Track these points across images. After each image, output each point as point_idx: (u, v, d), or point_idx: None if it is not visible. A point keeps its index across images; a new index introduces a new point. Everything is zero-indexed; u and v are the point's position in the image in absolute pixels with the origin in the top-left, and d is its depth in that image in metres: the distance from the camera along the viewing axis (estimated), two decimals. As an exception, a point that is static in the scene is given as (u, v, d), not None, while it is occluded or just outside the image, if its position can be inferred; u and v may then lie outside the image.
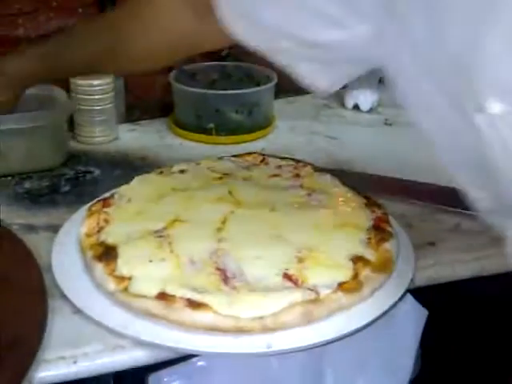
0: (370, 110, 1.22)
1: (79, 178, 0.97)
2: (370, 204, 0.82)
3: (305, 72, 0.66)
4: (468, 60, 0.46)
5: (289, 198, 0.83)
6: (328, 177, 0.89)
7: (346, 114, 1.22)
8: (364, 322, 0.66)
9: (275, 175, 0.90)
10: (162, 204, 0.81)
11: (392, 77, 0.54)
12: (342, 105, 1.24)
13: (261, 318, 0.64)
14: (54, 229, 0.83)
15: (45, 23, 1.05)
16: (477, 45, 0.45)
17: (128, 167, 1.00)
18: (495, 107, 0.45)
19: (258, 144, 1.08)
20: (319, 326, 0.65)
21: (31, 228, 0.83)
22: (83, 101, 1.04)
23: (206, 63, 1.18)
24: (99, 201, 0.82)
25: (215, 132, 1.08)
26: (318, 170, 0.91)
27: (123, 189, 0.84)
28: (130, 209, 0.80)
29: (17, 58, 0.88)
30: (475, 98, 0.46)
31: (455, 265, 0.78)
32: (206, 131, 1.08)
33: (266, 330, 0.64)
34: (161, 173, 0.89)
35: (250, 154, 0.96)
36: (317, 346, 0.65)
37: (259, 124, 1.11)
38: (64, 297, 0.70)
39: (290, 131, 1.15)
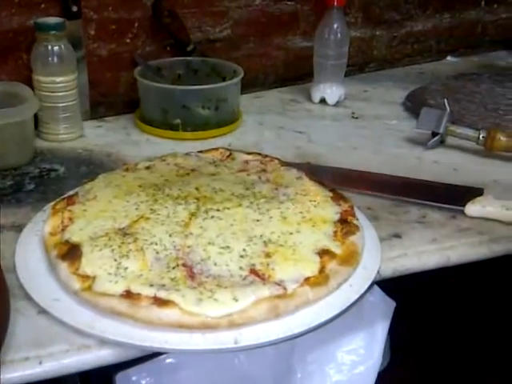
0: (337, 104, 1.22)
1: (44, 176, 0.95)
2: (336, 197, 0.83)
3: None
4: None
5: (256, 193, 0.83)
6: (294, 171, 0.89)
7: (312, 108, 1.22)
8: (331, 315, 0.66)
9: (242, 170, 0.90)
10: (127, 201, 0.80)
11: None
12: (309, 99, 1.24)
13: (228, 314, 0.63)
14: (19, 228, 0.82)
15: (7, 19, 1.03)
16: None
17: (93, 164, 0.99)
18: None
19: (225, 139, 1.08)
20: (286, 320, 0.65)
21: (-5, 227, 0.82)
22: (47, 98, 1.03)
23: (171, 58, 1.17)
24: (63, 199, 0.81)
25: (182, 128, 1.08)
26: (285, 164, 0.91)
27: (88, 186, 0.83)
28: (95, 207, 0.79)
29: None
30: None
31: (421, 256, 0.79)
32: (172, 127, 1.08)
33: (234, 325, 0.63)
34: (126, 170, 0.89)
35: (216, 149, 0.95)
36: (284, 340, 0.64)
37: (226, 119, 1.11)
38: (28, 297, 0.69)
39: (257, 126, 1.14)
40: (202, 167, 0.90)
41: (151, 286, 0.65)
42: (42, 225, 0.78)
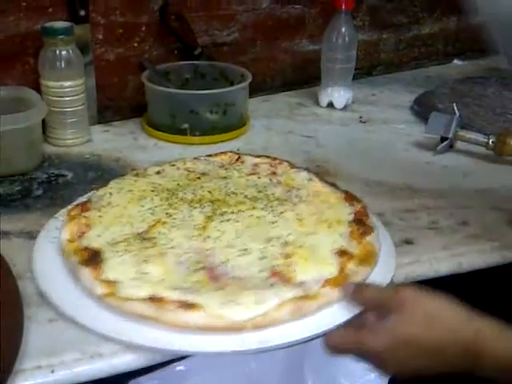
0: (345, 108, 1.22)
1: (52, 182, 0.95)
2: (349, 198, 0.83)
3: None
4: None
5: (269, 195, 0.84)
6: (304, 173, 0.89)
7: (320, 112, 1.22)
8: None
9: (252, 173, 0.90)
10: (142, 206, 0.80)
11: None
12: (317, 103, 1.23)
13: (253, 317, 0.64)
14: (28, 235, 0.82)
15: (14, 24, 1.03)
16: None
17: (101, 170, 0.98)
18: None
19: (233, 144, 1.07)
20: (309, 320, 0.65)
21: (3, 234, 0.81)
22: (54, 103, 1.02)
23: (178, 62, 1.17)
24: (77, 205, 0.81)
25: (189, 132, 1.07)
26: (294, 166, 0.91)
27: (100, 192, 0.83)
28: (111, 212, 0.79)
29: None
30: None
31: (433, 262, 0.78)
32: (180, 132, 1.07)
33: (258, 327, 0.64)
34: (136, 175, 0.88)
35: (224, 153, 0.95)
36: (307, 341, 0.65)
37: (234, 124, 1.11)
38: (40, 304, 0.68)
39: (264, 130, 1.14)
40: (212, 171, 0.90)
41: (175, 289, 0.66)
42: (56, 232, 0.78)
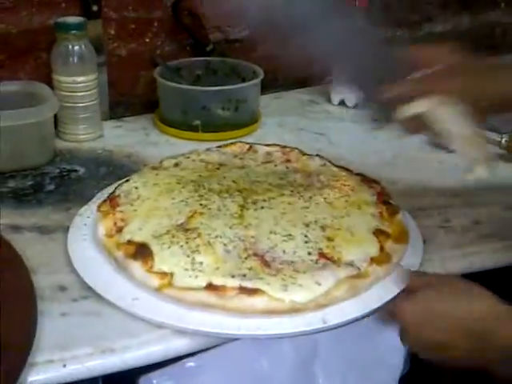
0: (356, 106, 1.21)
1: (64, 177, 0.95)
2: (367, 181, 0.86)
3: None
4: None
5: (291, 181, 0.85)
6: (317, 159, 0.92)
7: (332, 109, 1.21)
8: (400, 289, 0.70)
9: (268, 162, 0.92)
10: (173, 198, 0.81)
11: None
12: (328, 100, 1.23)
13: (314, 297, 0.67)
14: (40, 229, 0.82)
15: (27, 19, 1.03)
16: None
17: (113, 165, 0.98)
18: None
19: (244, 141, 1.07)
20: (363, 297, 0.69)
21: (16, 228, 0.82)
22: (67, 98, 1.03)
23: (190, 59, 1.16)
24: (105, 201, 0.81)
25: (201, 129, 1.07)
26: (305, 153, 0.93)
27: (125, 187, 0.83)
28: (144, 206, 0.80)
29: None
30: None
31: (445, 262, 0.78)
32: (191, 128, 1.07)
33: (319, 307, 0.67)
34: (154, 168, 0.88)
35: (234, 143, 0.96)
36: (365, 317, 0.68)
37: (245, 120, 1.10)
38: (50, 299, 0.69)
39: (276, 127, 1.14)
40: (227, 161, 0.91)
41: (233, 276, 0.68)
42: (85, 228, 0.79)
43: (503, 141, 1.01)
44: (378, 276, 0.71)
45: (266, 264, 0.71)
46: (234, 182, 0.85)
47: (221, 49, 1.19)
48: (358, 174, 0.88)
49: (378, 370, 0.81)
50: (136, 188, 0.83)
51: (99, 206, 0.80)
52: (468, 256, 0.80)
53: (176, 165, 0.89)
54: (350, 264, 0.71)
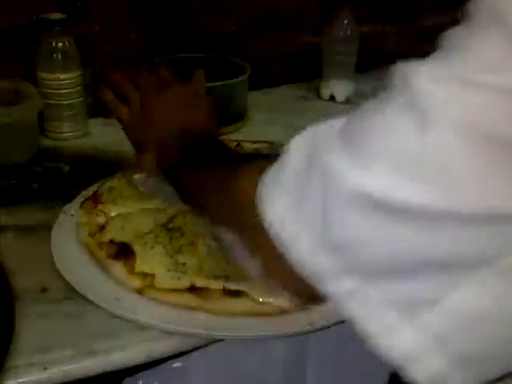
0: (347, 101, 1.20)
1: (48, 175, 0.94)
2: None
3: None
4: None
5: None
6: None
7: (322, 104, 1.20)
8: None
9: None
10: (156, 196, 0.80)
11: None
12: (318, 95, 1.22)
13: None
14: (23, 228, 0.81)
15: (10, 15, 1.02)
16: None
17: (99, 163, 0.97)
18: None
19: (233, 137, 1.06)
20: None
21: (-1, 228, 0.80)
22: (51, 95, 1.01)
23: (178, 55, 1.15)
24: (88, 199, 0.80)
25: (189, 125, 1.06)
26: None
27: (108, 184, 0.82)
28: (127, 204, 0.79)
29: None
30: None
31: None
32: (179, 125, 1.06)
33: (303, 309, 0.65)
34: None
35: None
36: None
37: (234, 117, 1.09)
38: (31, 300, 0.67)
39: (265, 124, 1.12)
40: None
41: (216, 278, 0.66)
42: (69, 226, 0.77)
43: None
44: None
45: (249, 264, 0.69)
46: None
47: (209, 44, 1.17)
48: None
49: (368, 369, 0.79)
50: (119, 185, 0.81)
51: (82, 204, 0.79)
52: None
53: None
54: None
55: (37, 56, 1.01)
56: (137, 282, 0.67)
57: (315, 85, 1.23)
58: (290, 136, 1.06)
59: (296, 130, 1.10)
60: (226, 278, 0.67)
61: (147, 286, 0.67)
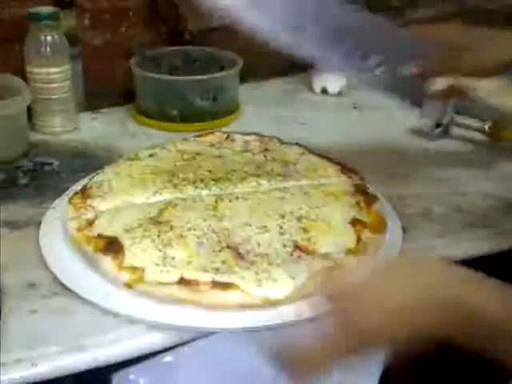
0: (339, 94, 1.19)
1: (38, 170, 0.93)
2: (345, 170, 0.85)
3: None
4: None
5: (268, 171, 0.84)
6: (295, 148, 0.91)
7: (314, 98, 1.19)
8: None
9: (245, 151, 0.90)
10: (146, 189, 0.80)
11: None
12: (310, 89, 1.21)
13: (288, 291, 0.65)
14: (12, 224, 0.80)
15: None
16: None
17: (89, 157, 0.96)
18: None
19: (224, 131, 1.05)
20: None
21: (-13, 224, 0.80)
22: (41, 90, 1.00)
23: (168, 48, 1.14)
24: (77, 193, 0.80)
25: (179, 119, 1.05)
26: (284, 142, 0.92)
27: (98, 179, 0.82)
28: (116, 198, 0.78)
29: None
30: None
31: (426, 252, 0.76)
32: (169, 118, 1.05)
33: (293, 300, 0.65)
34: (129, 159, 0.87)
35: (212, 133, 0.95)
36: None
37: (225, 110, 1.08)
38: (19, 296, 0.67)
39: (257, 117, 1.12)
40: (204, 151, 0.90)
41: (205, 271, 0.66)
42: (58, 222, 0.77)
43: (486, 127, 0.99)
44: (354, 267, 0.69)
45: (240, 257, 0.69)
46: (209, 171, 0.84)
47: (199, 38, 1.16)
48: (337, 163, 0.86)
49: (360, 362, 0.79)
50: (109, 180, 0.81)
51: (70, 199, 0.79)
52: (450, 245, 0.78)
53: (151, 155, 0.88)
54: (325, 256, 0.70)
55: (26, 50, 1.00)
56: (126, 276, 0.67)
57: (307, 78, 1.22)
58: (282, 129, 1.06)
59: (288, 122, 1.11)
60: (216, 270, 0.67)
61: (136, 279, 0.67)
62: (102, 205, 0.77)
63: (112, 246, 0.70)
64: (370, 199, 0.79)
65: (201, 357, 0.71)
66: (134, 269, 0.67)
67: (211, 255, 0.69)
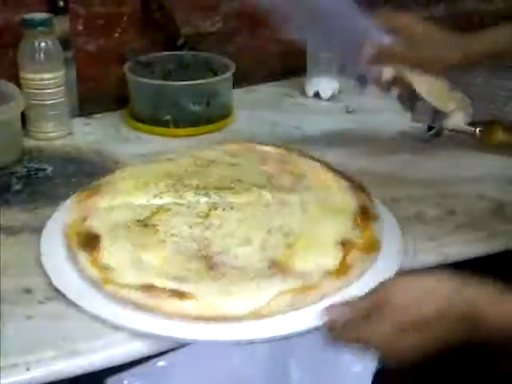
0: (331, 98, 1.20)
1: (31, 176, 0.93)
2: (354, 186, 0.83)
3: None
4: None
5: (275, 183, 0.84)
6: (312, 162, 0.89)
7: (306, 102, 1.20)
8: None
9: (262, 161, 0.89)
10: (147, 193, 0.80)
11: None
12: (303, 93, 1.22)
13: (249, 307, 0.64)
14: (6, 230, 0.80)
15: None
16: None
17: (82, 163, 0.97)
18: None
19: (217, 135, 1.06)
20: (309, 311, 0.65)
21: (-19, 230, 0.80)
22: (34, 95, 1.01)
23: (161, 53, 1.14)
24: (83, 191, 0.81)
25: (173, 124, 1.06)
26: (303, 155, 0.91)
27: (107, 179, 0.83)
28: (117, 198, 0.79)
29: None
30: None
31: (419, 254, 0.77)
32: (163, 123, 1.06)
33: (255, 317, 0.64)
34: (144, 162, 0.89)
35: (235, 142, 0.95)
36: (303, 333, 0.64)
37: (218, 115, 1.09)
38: (14, 301, 0.67)
39: (250, 121, 1.12)
40: (219, 159, 0.90)
41: (171, 278, 0.66)
42: (60, 227, 0.77)
43: (477, 131, 1.00)
44: (330, 289, 0.67)
45: (213, 268, 0.69)
46: (216, 179, 0.84)
47: (192, 43, 1.17)
48: (349, 180, 0.84)
49: (353, 362, 0.80)
50: (116, 180, 0.82)
51: (76, 197, 0.80)
52: (443, 247, 0.79)
53: (170, 160, 0.88)
54: (301, 275, 0.67)
55: (20, 56, 1.00)
56: (97, 273, 0.67)
57: (300, 82, 1.23)
58: (275, 133, 1.07)
59: (281, 127, 1.11)
60: (181, 279, 0.66)
61: (106, 279, 0.67)
62: (101, 203, 0.78)
63: (92, 242, 0.70)
64: (368, 218, 0.77)
65: (194, 361, 0.71)
66: (105, 268, 0.68)
67: (184, 263, 0.69)
